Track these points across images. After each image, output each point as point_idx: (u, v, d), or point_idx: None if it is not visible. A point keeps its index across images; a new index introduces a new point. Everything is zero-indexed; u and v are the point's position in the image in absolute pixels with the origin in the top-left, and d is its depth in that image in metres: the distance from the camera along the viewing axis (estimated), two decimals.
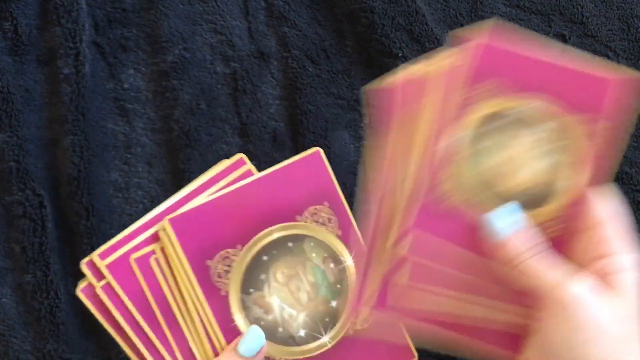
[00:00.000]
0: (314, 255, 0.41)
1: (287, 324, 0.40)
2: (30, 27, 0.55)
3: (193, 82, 0.55)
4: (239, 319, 0.39)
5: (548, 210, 0.38)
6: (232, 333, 0.39)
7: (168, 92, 0.55)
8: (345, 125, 0.56)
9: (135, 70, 0.56)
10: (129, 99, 0.55)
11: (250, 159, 0.55)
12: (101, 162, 0.53)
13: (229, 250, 0.40)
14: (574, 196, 0.38)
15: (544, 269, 0.35)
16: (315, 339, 0.41)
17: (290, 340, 0.40)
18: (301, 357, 0.40)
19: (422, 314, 0.37)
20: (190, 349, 0.40)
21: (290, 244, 0.41)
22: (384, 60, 0.56)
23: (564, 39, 0.59)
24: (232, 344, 0.39)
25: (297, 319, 0.40)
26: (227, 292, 0.40)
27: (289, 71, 0.56)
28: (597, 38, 0.59)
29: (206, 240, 0.40)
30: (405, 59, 0.56)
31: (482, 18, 0.58)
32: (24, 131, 0.52)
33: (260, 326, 0.39)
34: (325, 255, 0.41)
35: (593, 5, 0.60)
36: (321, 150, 0.42)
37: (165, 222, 0.39)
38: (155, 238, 0.41)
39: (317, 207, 0.42)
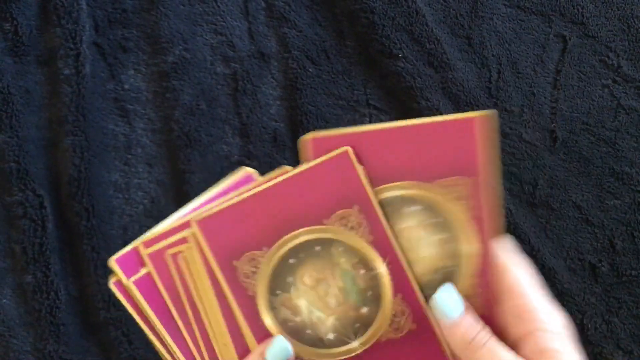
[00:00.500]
0: (342, 260, 0.40)
1: (316, 326, 0.39)
2: (31, 27, 0.55)
3: (193, 83, 0.55)
4: (267, 319, 0.39)
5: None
6: (261, 333, 0.39)
7: (168, 92, 0.55)
8: (346, 125, 0.56)
9: (136, 71, 0.56)
10: (129, 100, 0.55)
11: (251, 160, 0.55)
12: (101, 163, 0.53)
13: (256, 251, 0.40)
14: (478, 267, 0.38)
15: (506, 353, 0.35)
16: (345, 343, 0.40)
17: (318, 342, 0.40)
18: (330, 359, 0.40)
19: None
20: (214, 349, 0.40)
21: (317, 248, 0.40)
22: (384, 61, 0.56)
23: (564, 39, 0.59)
24: (259, 349, 0.39)
25: (326, 322, 0.40)
26: (254, 292, 0.40)
27: (289, 72, 0.56)
28: (597, 38, 0.59)
29: (233, 242, 0.39)
30: (405, 59, 0.56)
31: (482, 18, 0.59)
32: (24, 132, 0.52)
33: (288, 327, 0.39)
34: (355, 261, 0.40)
35: (593, 6, 0.60)
36: (350, 150, 0.40)
37: (193, 224, 0.39)
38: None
39: (347, 210, 0.40)
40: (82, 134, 0.52)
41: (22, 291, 0.51)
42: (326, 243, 0.40)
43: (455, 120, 0.38)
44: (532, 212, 0.56)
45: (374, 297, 0.40)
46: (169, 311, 0.40)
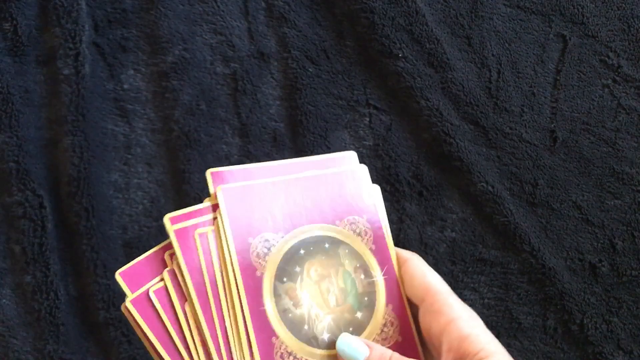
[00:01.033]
0: (347, 262, 0.42)
1: (313, 322, 0.40)
2: (30, 27, 0.55)
3: (193, 83, 0.55)
4: (268, 304, 0.40)
5: (378, 317, 0.41)
6: (259, 317, 0.40)
7: (168, 92, 0.55)
8: (345, 125, 0.56)
9: (135, 71, 0.56)
10: (129, 100, 0.55)
11: (250, 159, 0.55)
12: (101, 163, 0.53)
13: (272, 233, 0.41)
14: (386, 292, 0.41)
15: None
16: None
17: (313, 340, 0.40)
18: None
19: None
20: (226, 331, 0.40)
21: (327, 245, 0.42)
22: (384, 61, 0.56)
23: (564, 39, 0.59)
24: None
25: (323, 320, 0.41)
26: (262, 273, 0.40)
27: (289, 72, 0.56)
28: (597, 38, 0.59)
29: (253, 219, 0.41)
30: (405, 59, 0.56)
31: (482, 18, 0.58)
32: (23, 132, 0.52)
33: (288, 318, 0.40)
34: (357, 265, 0.42)
35: (593, 6, 0.59)
36: (365, 168, 0.44)
37: (218, 190, 0.40)
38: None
39: (357, 217, 0.43)
40: (82, 134, 0.52)
41: (21, 291, 0.50)
42: (335, 242, 0.42)
43: (347, 171, 0.43)
44: (532, 212, 0.56)
45: (369, 303, 0.41)
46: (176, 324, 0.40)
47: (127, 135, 0.54)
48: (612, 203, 0.56)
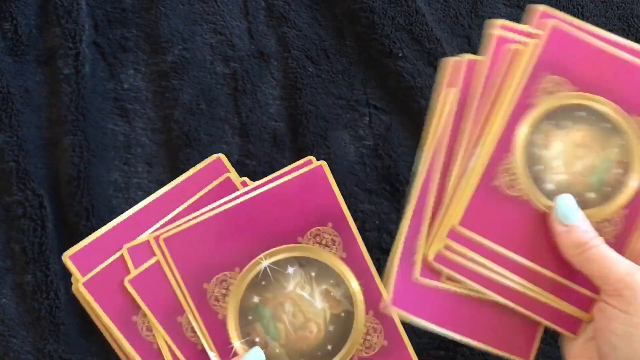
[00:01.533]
0: (315, 286, 0.39)
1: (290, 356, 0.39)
2: (30, 27, 0.55)
3: (193, 82, 0.55)
4: (237, 345, 0.38)
5: (605, 210, 0.40)
6: (229, 356, 0.38)
7: (168, 92, 0.55)
8: (345, 125, 0.56)
9: (135, 71, 0.56)
10: (129, 99, 0.55)
11: (250, 159, 0.54)
12: (101, 163, 0.53)
13: (227, 273, 0.38)
14: (631, 197, 0.39)
15: (614, 259, 0.36)
16: None
17: None
18: None
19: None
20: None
21: (290, 270, 0.39)
22: (384, 61, 0.56)
23: None
24: None
25: (296, 354, 0.39)
26: (224, 316, 0.38)
27: (289, 71, 0.56)
28: None
29: (202, 262, 0.38)
30: (405, 58, 0.56)
31: (482, 18, 0.58)
32: (23, 131, 0.52)
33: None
34: (330, 281, 0.39)
35: (593, 5, 0.59)
36: (324, 164, 0.40)
37: (160, 242, 0.37)
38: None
39: (321, 228, 0.39)
40: (82, 134, 0.52)
41: (21, 291, 0.50)
42: (301, 264, 0.39)
43: (298, 176, 0.39)
44: None
45: (346, 317, 0.39)
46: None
47: (127, 134, 0.54)
48: None
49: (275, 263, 0.38)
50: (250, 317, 0.38)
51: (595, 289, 0.38)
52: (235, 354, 0.38)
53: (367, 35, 0.56)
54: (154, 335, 0.38)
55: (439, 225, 0.40)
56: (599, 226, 0.39)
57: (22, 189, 0.51)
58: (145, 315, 0.38)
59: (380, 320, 0.39)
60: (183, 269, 0.37)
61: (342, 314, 0.39)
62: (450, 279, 0.39)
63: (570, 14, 0.59)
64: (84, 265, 0.39)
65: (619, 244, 0.39)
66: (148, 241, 0.38)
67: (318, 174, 0.39)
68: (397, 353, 0.39)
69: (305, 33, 0.57)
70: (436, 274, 0.39)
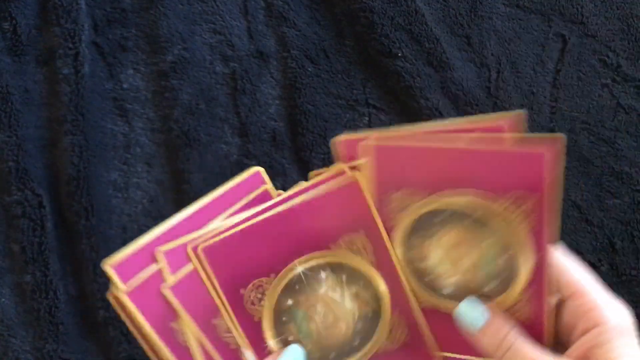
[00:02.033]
0: (346, 290, 0.41)
1: (323, 355, 0.41)
2: (30, 27, 0.55)
3: (192, 82, 0.55)
4: (271, 343, 0.40)
5: (508, 296, 0.39)
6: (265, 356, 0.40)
7: (167, 92, 0.55)
8: (345, 125, 0.56)
9: (135, 70, 0.56)
10: (128, 99, 0.55)
11: (250, 159, 0.55)
12: (100, 162, 0.53)
13: (263, 278, 0.40)
14: (530, 277, 0.38)
15: (533, 351, 0.35)
16: None
17: None
18: None
19: None
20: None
21: (322, 274, 0.40)
22: (384, 60, 0.56)
23: (563, 39, 0.59)
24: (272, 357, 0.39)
25: (330, 354, 0.41)
26: (260, 318, 0.40)
27: (288, 71, 0.56)
28: (597, 38, 0.59)
29: (240, 270, 0.39)
30: (404, 58, 0.56)
31: (481, 17, 0.58)
32: (23, 131, 0.52)
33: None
34: (361, 284, 0.41)
35: (593, 5, 0.59)
36: (360, 177, 0.40)
37: (199, 252, 0.39)
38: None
39: (353, 235, 0.41)
40: (81, 134, 0.52)
41: (21, 291, 0.50)
42: (333, 269, 0.40)
43: (336, 189, 0.40)
44: None
45: (373, 316, 0.41)
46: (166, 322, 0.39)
47: (127, 134, 0.54)
48: (612, 202, 0.56)
49: (309, 269, 0.40)
50: (284, 319, 0.40)
51: None
52: (270, 352, 0.39)
53: (367, 35, 0.56)
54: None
55: None
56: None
57: (22, 188, 0.51)
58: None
59: (405, 319, 0.41)
60: (221, 277, 0.39)
61: (370, 314, 0.41)
62: None
63: (570, 14, 0.59)
64: (124, 274, 0.40)
65: (534, 325, 0.39)
66: (183, 248, 0.40)
67: (354, 187, 0.41)
68: (418, 348, 0.41)
69: (304, 33, 0.57)
70: None
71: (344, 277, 0.41)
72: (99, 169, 0.53)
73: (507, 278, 0.39)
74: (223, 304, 0.39)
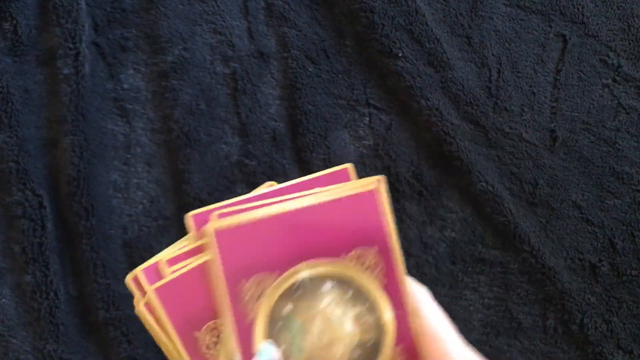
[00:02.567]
0: (349, 307, 0.38)
1: None
2: (30, 27, 0.55)
3: (193, 83, 0.55)
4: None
5: (384, 356, 0.38)
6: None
7: (168, 92, 0.55)
8: (345, 125, 0.56)
9: (135, 71, 0.56)
10: (129, 99, 0.55)
11: (250, 159, 0.54)
12: (101, 163, 0.53)
13: (266, 274, 0.37)
14: (395, 331, 0.38)
15: None
16: None
17: None
18: None
19: None
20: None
21: (327, 286, 0.38)
22: (384, 60, 0.56)
23: (564, 39, 0.59)
24: None
25: None
26: (253, 319, 0.37)
27: (288, 71, 0.56)
28: (597, 38, 0.59)
29: (245, 260, 0.37)
30: (405, 58, 0.56)
31: (482, 17, 0.58)
32: (23, 131, 0.52)
33: None
34: (365, 306, 0.38)
35: (593, 5, 0.59)
36: (381, 188, 0.38)
37: (212, 232, 0.37)
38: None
39: (366, 249, 0.38)
40: (82, 134, 0.52)
41: (21, 291, 0.50)
42: (338, 283, 0.38)
43: (354, 195, 0.38)
44: (532, 212, 0.56)
45: (372, 349, 0.38)
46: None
47: (127, 135, 0.54)
48: (612, 203, 0.56)
49: (315, 275, 0.38)
50: (279, 324, 0.38)
51: None
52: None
53: (367, 35, 0.56)
54: (212, 354, 0.38)
55: None
56: None
57: (22, 189, 0.51)
58: (210, 329, 0.38)
59: (408, 356, 0.39)
60: (226, 263, 0.37)
61: (370, 342, 0.38)
62: None
63: (570, 14, 0.59)
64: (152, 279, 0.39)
65: None
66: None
67: (374, 197, 0.39)
68: None
69: (305, 33, 0.57)
70: None
71: (349, 294, 0.38)
72: (99, 169, 0.53)
73: (373, 338, 0.38)
74: (221, 293, 0.37)
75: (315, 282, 0.38)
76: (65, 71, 0.53)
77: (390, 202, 0.56)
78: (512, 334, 0.55)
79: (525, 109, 0.57)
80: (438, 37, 0.57)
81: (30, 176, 0.51)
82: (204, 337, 0.38)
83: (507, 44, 0.58)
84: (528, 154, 0.56)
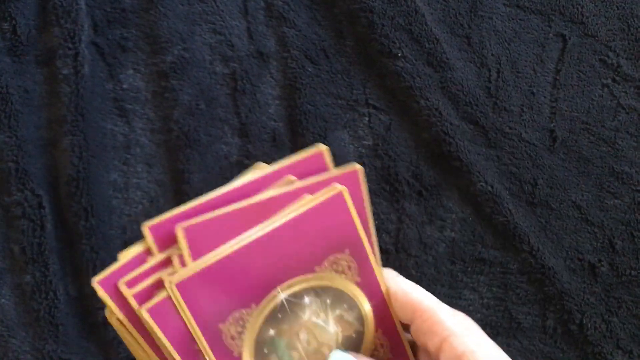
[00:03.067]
0: (329, 312, 0.39)
1: None
2: (29, 27, 0.55)
3: (192, 83, 0.55)
4: None
5: (366, 342, 0.39)
6: None
7: (167, 92, 0.55)
8: (345, 125, 0.56)
9: (135, 71, 0.56)
10: (128, 100, 0.55)
11: (250, 159, 0.55)
12: (100, 163, 0.53)
13: (243, 310, 0.37)
14: (377, 320, 0.38)
15: None
16: None
17: None
18: None
19: None
20: None
21: (306, 300, 0.38)
22: (384, 60, 0.56)
23: (563, 39, 0.59)
24: None
25: None
26: (240, 353, 0.37)
27: (288, 71, 0.56)
28: (597, 38, 0.59)
29: (218, 304, 0.36)
30: (404, 58, 0.56)
31: (481, 17, 0.58)
32: (22, 132, 0.52)
33: None
34: (345, 306, 0.39)
35: (593, 5, 0.59)
36: (345, 190, 0.38)
37: (173, 287, 0.36)
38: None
39: (338, 255, 0.38)
40: (81, 134, 0.52)
41: (20, 291, 0.50)
42: (316, 293, 0.38)
43: (318, 205, 0.37)
44: (531, 212, 0.56)
45: (357, 336, 0.39)
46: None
47: (127, 135, 0.54)
48: (612, 203, 0.56)
49: (292, 295, 0.38)
50: (265, 351, 0.38)
51: None
52: None
53: (367, 35, 0.56)
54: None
55: None
56: (376, 354, 0.39)
57: (21, 189, 0.51)
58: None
59: (387, 337, 0.40)
60: (197, 313, 0.36)
61: (353, 335, 0.39)
62: None
63: (570, 14, 0.59)
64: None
65: (399, 354, 0.39)
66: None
67: (338, 201, 0.38)
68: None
69: (304, 33, 0.57)
70: None
71: (328, 301, 0.38)
72: (99, 169, 0.53)
73: (358, 336, 0.39)
74: (200, 341, 0.36)
75: (293, 301, 0.38)
76: (65, 71, 0.53)
77: (390, 201, 0.56)
78: (511, 334, 0.55)
79: (524, 109, 0.57)
80: (437, 37, 0.57)
81: (30, 176, 0.51)
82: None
83: (506, 44, 0.58)
84: (527, 154, 0.56)
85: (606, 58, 0.59)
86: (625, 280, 0.55)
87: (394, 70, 0.56)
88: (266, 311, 0.38)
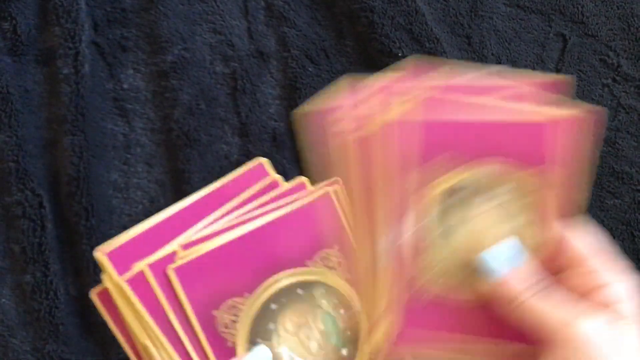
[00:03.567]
0: (324, 302, 0.40)
1: None
2: (30, 27, 0.55)
3: (192, 82, 0.55)
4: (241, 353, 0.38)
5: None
6: None
7: (167, 92, 0.55)
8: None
9: (135, 70, 0.56)
10: (129, 99, 0.55)
11: (250, 159, 0.54)
12: (100, 163, 0.53)
13: (236, 299, 0.38)
14: (550, 249, 0.38)
15: (549, 308, 0.34)
16: None
17: None
18: None
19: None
20: None
21: (300, 291, 0.39)
22: (384, 60, 0.56)
23: (564, 38, 0.59)
24: None
25: None
26: (233, 343, 0.38)
27: (288, 71, 0.56)
28: (597, 38, 0.59)
29: (212, 290, 0.38)
30: (405, 58, 0.56)
31: (481, 17, 0.58)
32: (23, 131, 0.52)
33: None
34: (336, 301, 0.40)
35: (593, 5, 0.59)
36: (332, 191, 0.40)
37: (170, 271, 0.37)
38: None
39: (328, 251, 0.40)
40: (81, 134, 0.52)
41: (21, 291, 0.50)
42: (308, 286, 0.39)
43: (309, 203, 0.39)
44: None
45: (352, 336, 0.40)
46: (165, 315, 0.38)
47: (127, 134, 0.54)
48: (612, 202, 0.56)
49: (285, 287, 0.39)
50: (259, 341, 0.39)
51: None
52: None
53: (367, 35, 0.56)
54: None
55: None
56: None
57: (22, 189, 0.51)
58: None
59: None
60: (192, 297, 0.37)
61: (349, 332, 0.40)
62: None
63: (570, 14, 0.59)
64: (118, 264, 0.40)
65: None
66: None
67: (326, 200, 0.40)
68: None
69: (304, 33, 0.57)
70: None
71: (321, 296, 0.39)
72: (99, 169, 0.53)
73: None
74: (194, 327, 0.37)
75: (286, 293, 0.39)
76: (65, 71, 0.53)
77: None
78: None
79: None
80: (438, 36, 0.57)
81: (30, 176, 0.51)
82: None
83: (506, 44, 0.58)
84: None
85: (606, 58, 0.59)
86: None
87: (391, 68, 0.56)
88: (259, 302, 0.38)
